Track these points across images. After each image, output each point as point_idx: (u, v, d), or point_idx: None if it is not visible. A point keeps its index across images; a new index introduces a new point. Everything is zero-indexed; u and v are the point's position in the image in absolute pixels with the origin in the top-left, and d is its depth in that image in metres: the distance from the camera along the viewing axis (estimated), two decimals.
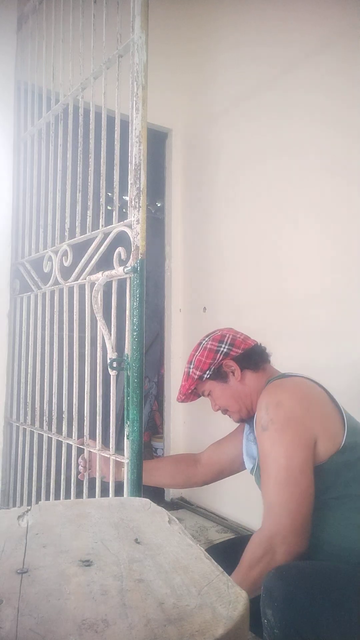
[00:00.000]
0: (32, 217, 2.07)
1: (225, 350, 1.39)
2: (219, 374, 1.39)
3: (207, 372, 1.39)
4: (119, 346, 1.47)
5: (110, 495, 1.42)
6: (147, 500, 0.82)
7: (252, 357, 1.40)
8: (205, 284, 2.79)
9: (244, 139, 2.53)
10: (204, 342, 1.43)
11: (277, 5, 2.32)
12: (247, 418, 1.42)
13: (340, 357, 1.97)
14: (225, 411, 1.44)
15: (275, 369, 1.45)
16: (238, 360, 1.39)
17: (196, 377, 1.40)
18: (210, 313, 2.74)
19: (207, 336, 1.45)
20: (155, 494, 2.81)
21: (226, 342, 1.40)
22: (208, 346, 1.40)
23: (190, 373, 1.41)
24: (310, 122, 2.13)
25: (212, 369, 1.38)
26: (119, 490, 1.43)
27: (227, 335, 1.42)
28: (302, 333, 2.14)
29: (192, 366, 1.41)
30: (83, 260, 1.66)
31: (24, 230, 2.14)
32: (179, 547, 0.62)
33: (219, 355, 1.38)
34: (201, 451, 1.63)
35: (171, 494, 2.89)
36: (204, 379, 1.40)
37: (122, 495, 1.39)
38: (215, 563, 0.59)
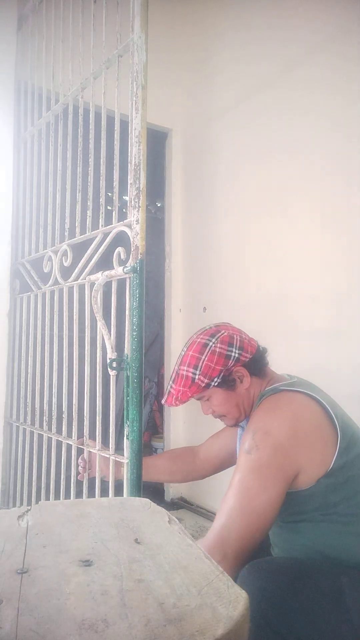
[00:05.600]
0: (32, 217, 2.07)
1: (236, 355, 1.25)
2: (226, 381, 1.27)
3: (216, 379, 1.25)
4: (119, 346, 1.47)
5: (110, 495, 1.42)
6: (147, 500, 0.82)
7: (260, 362, 1.30)
8: (205, 284, 2.79)
9: (244, 138, 2.53)
10: (210, 344, 1.26)
11: (277, 4, 2.32)
12: (242, 422, 1.37)
13: (341, 357, 1.97)
14: (221, 417, 1.35)
15: (273, 372, 1.37)
16: (248, 366, 1.28)
17: (203, 384, 1.25)
18: (210, 313, 2.74)
19: (210, 336, 1.28)
20: (155, 494, 2.81)
21: (236, 346, 1.26)
22: (217, 350, 1.25)
23: (196, 379, 1.24)
24: (311, 122, 2.13)
25: (222, 375, 1.25)
26: (119, 490, 1.43)
27: (235, 336, 1.28)
28: (303, 333, 2.14)
29: (198, 372, 1.24)
30: (83, 260, 1.66)
31: (24, 230, 2.14)
32: (179, 547, 0.62)
33: (230, 361, 1.25)
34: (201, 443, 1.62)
35: (171, 494, 2.89)
36: (211, 386, 1.26)
37: (122, 495, 1.39)
38: (215, 563, 0.59)
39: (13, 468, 2.12)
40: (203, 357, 1.25)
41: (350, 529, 1.12)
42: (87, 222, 1.69)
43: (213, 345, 1.25)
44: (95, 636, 0.43)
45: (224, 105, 2.69)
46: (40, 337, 1.95)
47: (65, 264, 1.77)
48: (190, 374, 1.25)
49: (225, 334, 1.28)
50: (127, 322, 1.42)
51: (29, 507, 0.75)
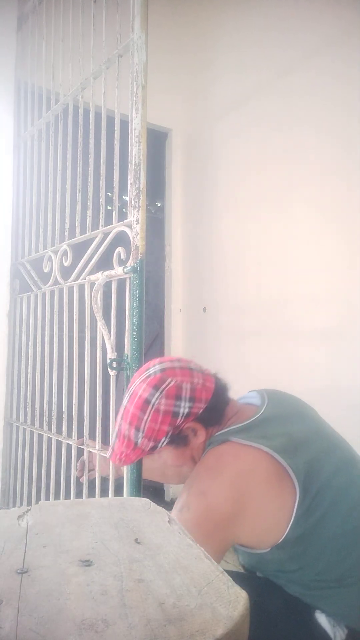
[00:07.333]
0: (32, 217, 2.07)
1: (186, 410, 1.03)
2: (177, 439, 1.06)
3: (164, 440, 1.04)
4: (119, 346, 1.47)
5: (110, 495, 1.42)
6: (147, 500, 0.82)
7: (218, 408, 1.07)
8: (205, 284, 2.79)
9: (244, 138, 2.53)
10: (153, 400, 1.02)
11: (278, 5, 2.32)
12: None
13: (341, 357, 1.97)
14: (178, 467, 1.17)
15: (234, 404, 1.13)
16: (202, 419, 1.05)
17: (148, 448, 1.04)
18: (210, 313, 2.74)
19: (154, 388, 1.03)
20: (155, 494, 2.81)
21: (185, 398, 1.03)
22: (162, 408, 1.02)
23: (139, 443, 1.04)
24: (310, 122, 2.13)
25: (170, 435, 1.04)
26: (119, 490, 1.43)
27: (184, 385, 1.04)
28: (303, 334, 2.14)
29: (140, 434, 1.03)
30: (83, 260, 1.66)
31: (24, 230, 2.14)
32: (179, 547, 0.62)
33: (179, 419, 1.03)
34: None
35: (171, 494, 2.89)
36: (158, 448, 1.06)
37: (122, 495, 1.39)
38: (215, 563, 0.59)
39: (13, 468, 2.12)
40: (145, 417, 1.03)
41: (311, 592, 1.02)
42: (87, 222, 1.69)
43: (157, 402, 1.02)
44: (95, 636, 0.43)
45: (224, 105, 2.69)
46: (40, 337, 1.95)
47: (65, 264, 1.77)
48: (132, 435, 1.04)
49: (172, 384, 1.04)
50: (127, 322, 1.42)
51: (29, 507, 0.75)
